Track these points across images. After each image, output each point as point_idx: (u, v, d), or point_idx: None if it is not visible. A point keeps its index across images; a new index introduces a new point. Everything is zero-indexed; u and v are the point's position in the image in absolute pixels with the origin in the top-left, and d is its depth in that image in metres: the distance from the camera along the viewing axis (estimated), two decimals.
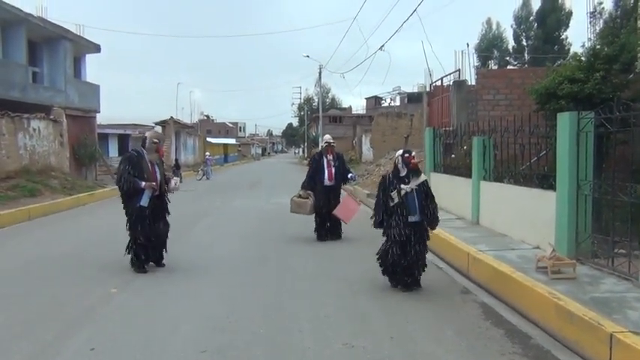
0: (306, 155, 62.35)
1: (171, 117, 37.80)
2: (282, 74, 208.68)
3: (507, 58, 35.22)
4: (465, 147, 11.08)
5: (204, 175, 29.57)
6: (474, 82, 17.03)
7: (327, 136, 9.74)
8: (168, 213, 7.19)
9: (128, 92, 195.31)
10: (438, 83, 19.98)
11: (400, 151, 6.01)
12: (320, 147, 9.93)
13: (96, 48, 24.22)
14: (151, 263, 7.01)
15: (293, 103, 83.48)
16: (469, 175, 9.88)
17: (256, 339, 4.48)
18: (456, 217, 10.40)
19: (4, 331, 4.72)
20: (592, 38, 14.12)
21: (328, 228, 9.15)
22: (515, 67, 31.09)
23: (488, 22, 37.28)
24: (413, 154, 5.93)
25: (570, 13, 34.13)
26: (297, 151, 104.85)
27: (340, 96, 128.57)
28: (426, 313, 5.22)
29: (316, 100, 65.46)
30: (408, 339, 4.50)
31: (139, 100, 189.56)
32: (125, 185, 6.64)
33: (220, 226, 11.37)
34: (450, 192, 11.21)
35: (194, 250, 8.30)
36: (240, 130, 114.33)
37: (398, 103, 58.53)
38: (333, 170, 9.14)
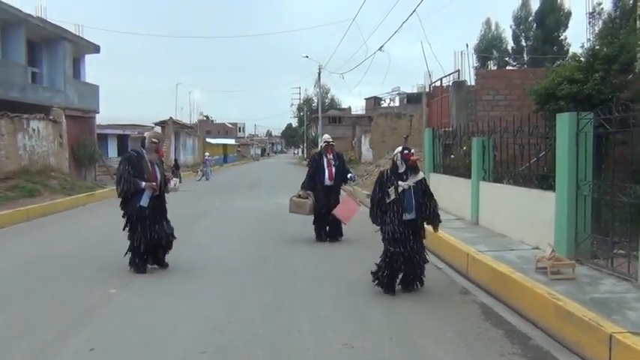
0: (305, 156, 62.34)
1: (171, 117, 37.80)
2: (282, 75, 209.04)
3: (506, 59, 35.22)
4: (464, 147, 11.09)
5: (203, 175, 29.56)
6: (473, 83, 17.06)
7: (327, 136, 9.72)
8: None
9: (127, 92, 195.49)
10: (438, 84, 20.03)
11: (399, 148, 5.99)
12: (319, 147, 9.91)
13: (95, 48, 24.22)
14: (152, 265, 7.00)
15: (292, 104, 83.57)
16: (468, 176, 9.88)
17: (256, 339, 4.48)
18: (455, 217, 10.41)
19: (4, 331, 4.72)
20: (591, 39, 14.11)
21: (328, 229, 9.12)
22: (515, 68, 31.11)
23: (488, 22, 37.29)
24: (412, 151, 5.92)
25: (569, 14, 34.16)
26: (296, 152, 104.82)
27: (340, 96, 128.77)
28: (426, 313, 5.22)
29: (316, 100, 65.51)
30: (408, 339, 4.50)
31: (138, 101, 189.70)
32: (125, 185, 6.63)
33: (220, 226, 11.37)
34: (449, 192, 11.21)
35: (194, 251, 8.30)
36: (240, 131, 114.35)
37: (397, 103, 58.58)
38: (334, 170, 9.10)
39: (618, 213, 5.83)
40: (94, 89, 24.54)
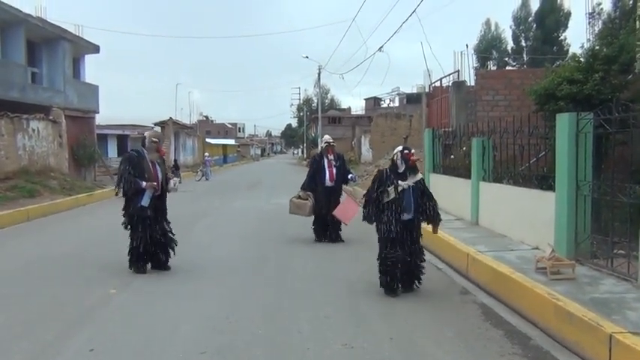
0: (305, 156, 62.35)
1: (170, 117, 37.76)
2: (282, 75, 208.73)
3: (506, 59, 35.23)
4: (464, 148, 11.10)
5: (203, 175, 29.56)
6: (473, 83, 17.07)
7: (327, 136, 9.71)
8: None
9: (127, 93, 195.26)
10: (437, 84, 20.03)
11: (399, 148, 5.97)
12: (320, 147, 9.89)
13: (95, 48, 24.22)
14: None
15: (292, 104, 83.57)
16: (468, 176, 9.89)
17: (256, 339, 4.48)
18: (455, 217, 10.41)
19: (5, 331, 4.72)
20: (591, 39, 14.13)
21: (329, 230, 9.07)
22: (514, 68, 31.12)
23: (487, 22, 37.28)
24: (412, 151, 5.91)
25: (569, 14, 34.17)
26: (295, 152, 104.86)
27: (339, 97, 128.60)
28: (426, 313, 5.22)
29: (315, 100, 65.50)
30: (408, 340, 4.50)
31: (138, 101, 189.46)
32: (126, 185, 6.64)
33: (220, 226, 11.37)
34: (449, 193, 11.22)
35: (194, 251, 8.30)
36: (240, 131, 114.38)
37: (397, 103, 58.57)
38: (334, 171, 9.05)
39: (618, 213, 5.83)
40: (93, 89, 24.54)
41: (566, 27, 33.95)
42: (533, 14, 34.94)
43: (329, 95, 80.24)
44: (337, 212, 8.66)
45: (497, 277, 5.87)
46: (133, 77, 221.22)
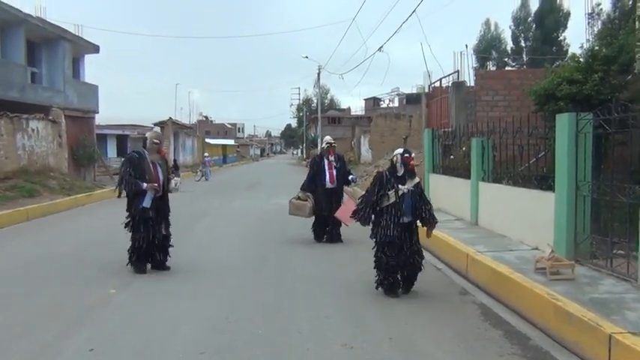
0: (305, 156, 62.35)
1: (170, 118, 37.75)
2: (282, 75, 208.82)
3: (506, 60, 35.23)
4: (463, 148, 11.10)
5: (202, 176, 29.54)
6: (472, 84, 17.07)
7: (328, 137, 9.70)
8: (169, 211, 7.14)
9: (127, 93, 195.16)
10: (437, 84, 20.02)
11: (400, 150, 5.94)
12: (320, 148, 9.86)
13: (95, 48, 24.22)
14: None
15: (292, 104, 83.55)
16: (468, 176, 9.89)
17: (256, 340, 4.48)
18: (454, 218, 10.41)
19: (4, 331, 4.72)
20: (590, 39, 14.14)
21: (329, 231, 9.04)
22: (514, 69, 31.12)
23: (487, 23, 37.25)
24: (412, 154, 5.89)
25: (568, 14, 34.15)
26: (295, 152, 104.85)
27: (339, 97, 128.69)
28: (425, 314, 5.22)
29: (315, 101, 65.50)
30: (407, 340, 4.50)
31: (137, 101, 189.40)
32: (127, 187, 6.63)
33: (219, 227, 11.37)
34: (448, 193, 11.23)
35: (193, 251, 8.30)
36: (239, 131, 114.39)
37: (397, 104, 58.60)
38: (335, 172, 9.00)
39: (617, 213, 5.84)
40: (93, 89, 24.54)
41: (565, 27, 33.96)
42: (532, 14, 34.94)
43: (329, 95, 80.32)
44: (339, 214, 8.63)
45: (497, 277, 5.87)
46: (132, 77, 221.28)
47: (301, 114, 78.52)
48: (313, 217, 9.15)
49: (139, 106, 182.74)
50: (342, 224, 8.89)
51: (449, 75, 18.44)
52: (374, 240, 5.87)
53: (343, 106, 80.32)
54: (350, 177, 9.25)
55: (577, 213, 6.34)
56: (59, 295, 5.87)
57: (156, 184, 6.72)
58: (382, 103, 63.41)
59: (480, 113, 14.27)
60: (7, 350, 4.27)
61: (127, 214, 6.86)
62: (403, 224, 5.69)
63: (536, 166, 8.29)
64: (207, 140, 56.93)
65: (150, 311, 5.30)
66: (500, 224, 8.52)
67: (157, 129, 33.41)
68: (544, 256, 5.84)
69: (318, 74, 49.73)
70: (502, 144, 8.81)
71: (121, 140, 35.49)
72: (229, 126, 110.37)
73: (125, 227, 6.88)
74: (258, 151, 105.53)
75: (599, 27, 14.82)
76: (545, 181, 7.37)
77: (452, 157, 12.02)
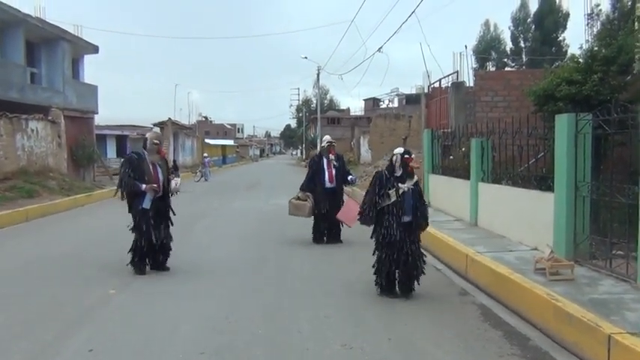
0: (304, 157, 62.35)
1: (170, 118, 37.72)
2: (281, 75, 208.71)
3: (505, 60, 35.22)
4: (463, 149, 11.11)
5: (202, 176, 29.53)
6: (472, 84, 17.07)
7: (328, 137, 9.68)
8: (173, 213, 7.12)
9: (126, 93, 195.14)
10: (436, 85, 20.02)
11: (400, 150, 5.85)
12: (319, 148, 9.84)
13: (94, 49, 24.21)
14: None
15: (291, 105, 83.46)
16: (467, 177, 9.90)
17: (255, 340, 4.49)
18: (454, 218, 10.42)
19: (4, 330, 4.72)
20: (589, 40, 14.12)
21: (328, 231, 9.02)
22: (513, 69, 31.12)
23: (486, 23, 37.22)
24: (412, 155, 5.83)
25: (568, 15, 34.15)
26: (294, 153, 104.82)
27: (338, 97, 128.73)
28: (425, 314, 5.23)
29: (314, 101, 65.51)
30: (407, 340, 4.51)
31: (137, 101, 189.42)
32: (126, 189, 6.63)
33: (219, 227, 11.37)
34: (448, 193, 11.24)
35: (193, 251, 8.30)
36: (239, 132, 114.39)
37: (396, 104, 58.61)
38: (334, 172, 8.97)
39: (617, 214, 5.85)
40: (92, 90, 24.52)
41: (564, 28, 33.97)
42: (532, 15, 34.95)
43: (328, 96, 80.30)
44: (341, 215, 8.59)
45: (497, 277, 5.88)
46: (132, 78, 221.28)
47: (301, 114, 78.48)
48: (313, 219, 9.12)
49: (139, 106, 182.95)
50: (343, 225, 8.87)
51: (448, 75, 18.43)
52: (375, 240, 5.83)
53: (343, 106, 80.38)
54: (349, 177, 9.22)
55: (576, 213, 6.35)
56: (59, 295, 5.87)
57: (155, 185, 6.71)
58: (382, 103, 63.46)
59: (479, 114, 14.27)
60: (7, 350, 4.28)
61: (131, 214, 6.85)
62: (404, 224, 5.66)
63: (536, 166, 8.29)
64: (206, 141, 56.93)
65: (150, 311, 5.30)
66: (500, 225, 8.53)
67: (157, 129, 33.39)
68: (543, 256, 5.84)
69: (318, 75, 49.84)
70: (501, 144, 8.81)
71: (121, 141, 35.49)
72: (229, 126, 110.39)
73: (131, 230, 6.85)
74: (257, 152, 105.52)
75: (599, 28, 14.81)
76: (544, 182, 7.38)
77: (451, 157, 12.03)
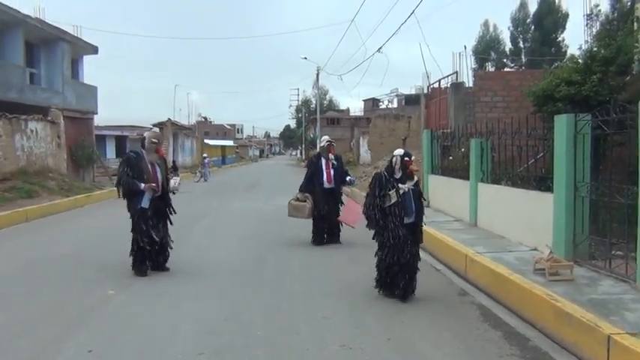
0: (303, 157, 62.37)
1: (169, 118, 37.76)
2: (281, 76, 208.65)
3: (505, 61, 35.24)
4: (462, 149, 11.11)
5: (201, 176, 29.54)
6: (471, 85, 17.09)
7: (327, 137, 9.66)
8: (174, 212, 7.10)
9: (126, 94, 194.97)
10: (436, 85, 20.01)
11: (400, 152, 5.79)
12: (319, 147, 9.82)
13: (93, 49, 24.22)
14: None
15: (291, 105, 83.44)
16: (467, 177, 9.90)
17: (254, 341, 4.48)
18: (453, 219, 10.42)
19: (5, 330, 4.73)
20: (589, 40, 14.15)
21: (327, 232, 8.99)
22: (513, 70, 31.14)
23: (486, 24, 37.23)
24: (413, 158, 5.75)
25: (567, 16, 34.17)
26: (294, 153, 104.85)
27: (338, 98, 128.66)
28: (424, 315, 5.23)
29: (314, 101, 65.54)
30: (406, 341, 4.51)
31: (136, 102, 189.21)
32: (124, 187, 6.63)
33: (218, 228, 11.36)
34: (447, 194, 11.24)
35: (192, 252, 8.30)
36: (238, 132, 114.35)
37: (395, 105, 58.66)
38: (332, 172, 8.94)
39: (616, 214, 5.85)
40: (92, 90, 24.52)
41: (564, 28, 34.00)
42: (531, 16, 34.97)
43: (327, 96, 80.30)
44: (343, 217, 8.55)
45: (496, 278, 5.88)
46: (131, 78, 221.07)
47: (300, 115, 78.50)
48: (312, 220, 9.09)
49: (138, 107, 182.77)
50: (343, 225, 8.85)
51: (448, 76, 18.43)
52: (377, 241, 5.75)
53: (342, 107, 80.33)
54: (347, 178, 9.18)
55: (576, 214, 6.35)
56: (59, 295, 5.87)
57: (154, 184, 6.71)
58: (381, 103, 63.49)
59: (478, 114, 14.28)
60: (8, 350, 4.29)
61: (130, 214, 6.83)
62: (407, 224, 5.60)
63: (535, 167, 8.30)
64: (206, 141, 56.94)
65: (149, 312, 5.30)
66: (499, 225, 8.53)
67: (156, 129, 33.46)
68: (543, 257, 5.85)
69: (317, 75, 49.88)
70: (501, 145, 8.81)
71: (120, 141, 35.45)
72: (228, 127, 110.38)
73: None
74: (257, 152, 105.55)
75: (598, 28, 14.84)
76: (543, 182, 7.38)
77: (451, 158, 12.03)
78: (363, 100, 67.81)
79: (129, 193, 6.69)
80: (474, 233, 8.74)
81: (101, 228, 11.14)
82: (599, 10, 16.31)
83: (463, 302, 5.72)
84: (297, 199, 9.05)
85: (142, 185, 6.61)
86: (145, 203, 6.66)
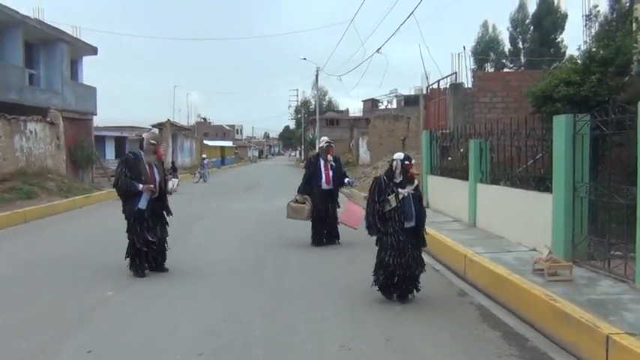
0: (302, 158, 62.36)
1: (168, 119, 37.75)
2: (280, 76, 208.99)
3: (504, 61, 35.25)
4: (461, 150, 11.11)
5: (201, 177, 29.52)
6: (470, 85, 17.09)
7: (325, 137, 9.66)
8: (170, 214, 7.11)
9: (125, 94, 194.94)
10: (435, 86, 20.01)
11: (400, 155, 5.73)
12: (318, 148, 9.81)
13: (93, 50, 24.21)
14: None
15: (290, 106, 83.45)
16: (466, 178, 9.90)
17: (253, 341, 4.49)
18: (452, 219, 10.42)
19: (4, 331, 4.74)
20: (588, 41, 14.15)
21: (326, 233, 8.97)
22: (512, 70, 31.15)
23: (485, 24, 37.21)
24: (413, 162, 5.70)
25: (566, 16, 34.18)
26: (293, 154, 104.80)
27: (337, 98, 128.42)
28: (423, 315, 5.23)
29: (313, 102, 65.55)
30: (405, 341, 4.51)
31: (135, 103, 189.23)
32: (122, 188, 6.63)
33: (218, 228, 11.36)
34: (446, 194, 11.25)
35: (191, 253, 8.30)
36: (237, 133, 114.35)
37: (395, 105, 58.68)
38: (331, 173, 8.92)
39: (615, 215, 5.86)
40: (91, 91, 24.51)
41: (563, 29, 34.02)
42: (530, 16, 34.99)
43: (327, 97, 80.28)
44: (344, 219, 8.51)
45: (495, 278, 5.88)
46: (130, 79, 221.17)
47: (299, 116, 78.52)
48: (311, 221, 9.07)
49: (138, 107, 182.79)
50: (339, 225, 8.84)
51: (447, 76, 18.43)
52: (379, 245, 5.71)
53: (341, 107, 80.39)
54: (346, 180, 9.17)
55: (574, 214, 6.35)
56: (58, 296, 5.87)
57: (152, 186, 6.71)
58: (380, 104, 63.49)
59: (477, 115, 14.27)
60: (7, 350, 4.29)
61: (125, 215, 6.82)
62: (407, 229, 5.56)
63: (534, 167, 8.30)
64: (205, 142, 56.93)
65: (148, 313, 5.30)
66: (498, 226, 8.53)
67: (156, 130, 33.44)
68: (542, 257, 5.85)
69: (317, 76, 49.90)
70: (500, 145, 8.82)
71: (119, 142, 35.40)
72: (227, 128, 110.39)
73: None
74: (256, 153, 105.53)
75: (597, 29, 14.84)
76: (542, 183, 7.38)
77: (450, 158, 12.03)
78: (363, 101, 67.90)
79: (126, 193, 6.69)
80: (472, 234, 8.75)
81: (100, 229, 11.14)
82: (598, 11, 16.31)
83: (462, 302, 5.72)
84: (296, 201, 9.02)
85: (140, 186, 6.62)
86: (143, 204, 6.66)
